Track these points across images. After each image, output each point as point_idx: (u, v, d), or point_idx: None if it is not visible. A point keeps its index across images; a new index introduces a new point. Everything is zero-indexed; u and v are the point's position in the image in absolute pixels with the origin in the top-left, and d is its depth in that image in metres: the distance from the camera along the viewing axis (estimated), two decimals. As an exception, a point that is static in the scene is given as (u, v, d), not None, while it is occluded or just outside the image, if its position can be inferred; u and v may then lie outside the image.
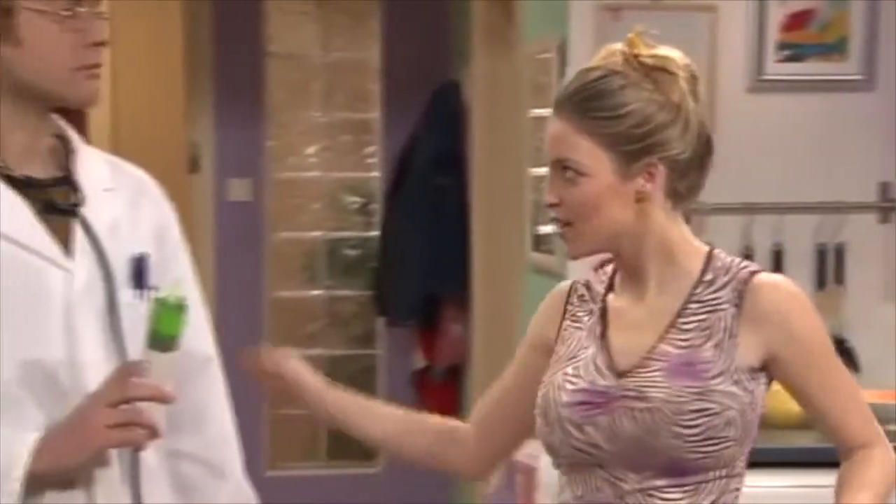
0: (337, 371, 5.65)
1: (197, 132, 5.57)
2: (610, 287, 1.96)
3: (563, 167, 1.87)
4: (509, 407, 2.02)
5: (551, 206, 1.88)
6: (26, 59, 1.69)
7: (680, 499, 1.87)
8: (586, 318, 1.94)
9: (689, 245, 1.93)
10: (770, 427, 3.19)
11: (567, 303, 1.98)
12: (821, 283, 3.63)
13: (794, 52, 3.60)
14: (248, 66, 5.56)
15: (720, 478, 1.89)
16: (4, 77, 1.70)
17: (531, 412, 1.93)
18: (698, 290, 1.90)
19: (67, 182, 1.77)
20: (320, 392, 2.01)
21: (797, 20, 3.61)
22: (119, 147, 6.75)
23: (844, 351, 3.46)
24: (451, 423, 2.06)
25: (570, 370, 1.90)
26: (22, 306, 1.68)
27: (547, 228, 3.81)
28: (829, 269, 3.63)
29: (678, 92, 1.87)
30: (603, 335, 1.92)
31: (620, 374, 1.89)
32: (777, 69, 3.60)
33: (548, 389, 1.91)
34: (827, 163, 3.61)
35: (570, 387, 1.89)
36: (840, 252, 3.63)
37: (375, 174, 5.75)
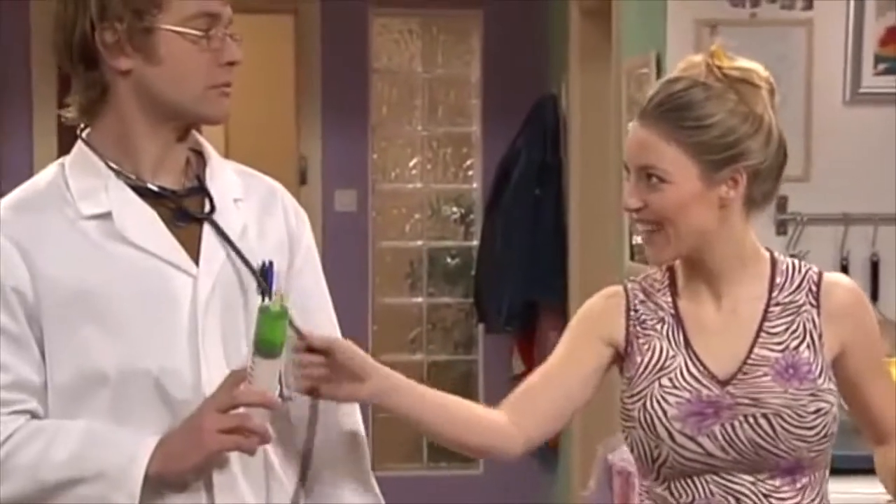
0: (438, 376, 5.64)
1: (305, 145, 5.60)
2: (673, 292, 1.93)
3: (647, 174, 1.85)
4: (553, 391, 1.92)
5: (634, 210, 1.87)
6: (164, 77, 1.70)
7: (793, 497, 1.87)
8: (659, 326, 1.91)
9: (758, 250, 1.94)
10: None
11: (629, 308, 1.94)
12: (917, 291, 3.58)
13: (891, 65, 3.54)
14: (354, 82, 5.57)
15: (823, 473, 1.91)
16: (142, 94, 1.72)
17: (573, 399, 1.91)
18: (774, 294, 1.91)
19: (200, 192, 1.77)
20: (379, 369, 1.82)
21: (894, 34, 3.54)
22: (233, 159, 6.82)
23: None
24: (483, 412, 1.93)
25: (665, 381, 1.87)
26: (150, 311, 1.69)
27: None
28: (924, 279, 3.58)
29: (761, 103, 1.87)
30: (687, 343, 1.89)
31: (723, 383, 1.87)
32: (874, 82, 3.55)
33: (645, 401, 1.87)
34: (924, 174, 3.54)
35: (673, 399, 1.86)
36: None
37: (475, 185, 5.74)
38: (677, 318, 1.91)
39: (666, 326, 1.91)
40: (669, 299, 1.92)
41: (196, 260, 1.73)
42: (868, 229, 3.54)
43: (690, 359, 1.88)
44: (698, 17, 3.53)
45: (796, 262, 1.95)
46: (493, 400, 1.92)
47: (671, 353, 1.89)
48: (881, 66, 3.55)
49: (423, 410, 1.86)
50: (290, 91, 5.74)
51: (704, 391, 1.86)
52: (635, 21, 3.97)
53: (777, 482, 1.86)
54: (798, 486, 1.88)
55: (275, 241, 1.81)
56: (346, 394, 1.79)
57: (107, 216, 1.71)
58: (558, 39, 5.16)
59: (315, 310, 1.82)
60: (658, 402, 1.86)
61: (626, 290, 1.96)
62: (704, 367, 1.87)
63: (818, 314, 1.90)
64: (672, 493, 1.89)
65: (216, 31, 1.71)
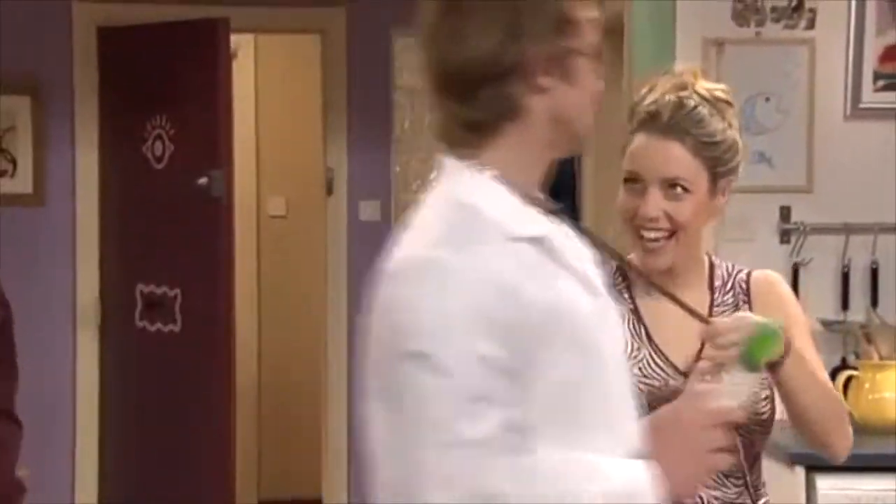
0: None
1: (332, 158, 5.63)
2: (629, 289, 1.96)
3: (670, 185, 1.90)
4: None
5: (653, 220, 1.91)
6: (575, 100, 1.61)
7: (740, 480, 1.91)
8: (620, 321, 1.92)
9: (702, 254, 1.99)
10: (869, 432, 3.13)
11: None
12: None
13: (890, 82, 3.56)
14: (378, 98, 5.60)
15: (760, 459, 1.95)
16: (553, 115, 1.61)
17: None
18: (716, 296, 1.96)
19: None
20: None
21: (893, 52, 3.56)
22: (263, 172, 6.86)
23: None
24: None
25: (636, 371, 1.90)
26: (606, 329, 1.58)
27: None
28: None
29: (736, 121, 1.94)
30: (649, 338, 1.93)
31: (685, 374, 1.90)
32: (874, 98, 3.57)
33: None
34: (921, 185, 3.55)
35: (645, 388, 1.89)
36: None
37: (493, 196, 5.75)
38: (636, 313, 1.94)
39: (626, 322, 1.93)
40: (627, 296, 1.96)
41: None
42: (868, 238, 3.55)
43: (654, 352, 1.92)
44: (706, 35, 3.55)
45: (730, 265, 2.00)
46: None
47: (636, 345, 1.92)
48: (880, 83, 3.56)
49: None
50: (318, 106, 5.78)
51: (671, 381, 1.90)
52: (646, 39, 3.99)
53: (729, 469, 1.87)
54: (750, 474, 1.92)
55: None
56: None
57: (538, 239, 1.56)
58: (573, 57, 5.17)
59: None
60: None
61: None
62: (667, 358, 1.91)
63: (750, 309, 1.94)
64: None
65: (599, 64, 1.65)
